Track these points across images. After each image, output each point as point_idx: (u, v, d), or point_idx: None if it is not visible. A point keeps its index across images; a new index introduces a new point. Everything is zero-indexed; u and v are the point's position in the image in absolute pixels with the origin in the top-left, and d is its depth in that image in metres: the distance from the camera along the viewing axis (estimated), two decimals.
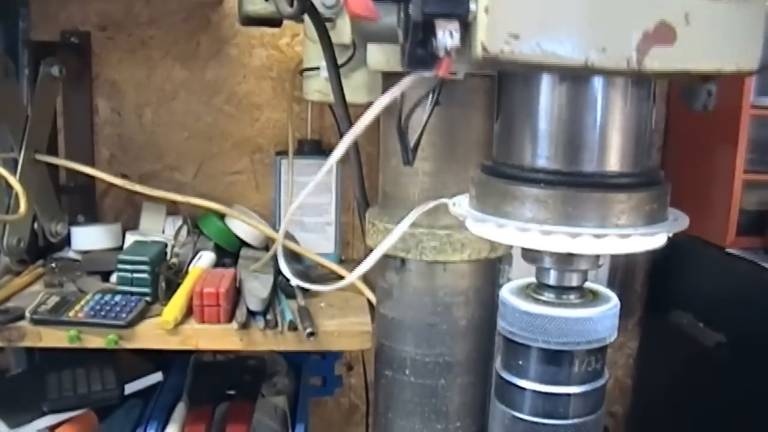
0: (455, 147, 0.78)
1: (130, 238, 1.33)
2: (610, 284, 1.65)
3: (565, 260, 0.56)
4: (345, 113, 0.95)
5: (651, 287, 1.72)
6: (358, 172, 0.92)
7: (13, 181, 1.12)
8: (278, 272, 1.22)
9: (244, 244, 1.36)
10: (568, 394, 0.57)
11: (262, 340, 1.08)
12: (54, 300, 1.12)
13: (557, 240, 0.52)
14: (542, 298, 0.58)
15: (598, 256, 0.57)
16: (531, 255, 0.58)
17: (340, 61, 0.91)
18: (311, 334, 1.05)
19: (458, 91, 0.77)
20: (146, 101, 1.48)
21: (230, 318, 1.10)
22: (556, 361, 0.57)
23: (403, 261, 0.81)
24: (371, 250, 0.84)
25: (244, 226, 1.34)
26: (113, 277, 1.20)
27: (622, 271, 1.67)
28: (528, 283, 0.61)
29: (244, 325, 1.07)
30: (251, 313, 1.11)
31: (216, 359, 1.43)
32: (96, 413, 1.23)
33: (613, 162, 0.53)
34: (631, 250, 0.53)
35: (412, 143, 0.68)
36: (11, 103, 1.20)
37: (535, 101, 0.53)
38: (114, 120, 1.48)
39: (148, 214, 1.42)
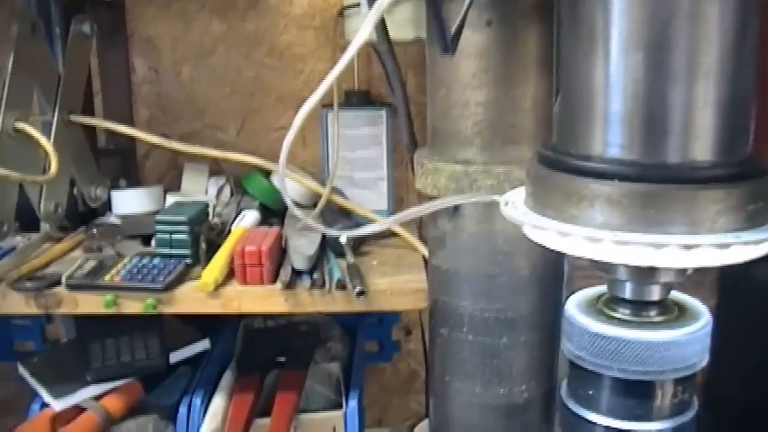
0: (511, 72, 0.69)
1: (171, 200, 1.28)
2: None
3: (646, 272, 0.46)
4: (390, 52, 0.87)
5: None
6: (405, 111, 0.84)
7: (45, 143, 1.07)
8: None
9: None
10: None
11: (309, 301, 1.01)
12: (91, 265, 1.07)
13: (636, 252, 0.42)
14: (617, 315, 0.48)
15: (686, 270, 0.47)
16: (602, 264, 0.47)
17: None
18: (361, 293, 0.97)
19: (511, 11, 0.68)
20: (184, 57, 1.42)
21: (274, 279, 1.03)
22: (634, 392, 0.48)
23: (456, 205, 0.72)
24: (424, 198, 0.76)
25: (291, 184, 1.26)
26: (153, 241, 1.14)
27: None
28: (599, 293, 0.51)
29: (289, 285, 1.00)
30: (297, 273, 1.04)
31: (266, 325, 1.37)
32: (144, 382, 1.20)
33: (705, 150, 0.42)
34: (730, 261, 0.42)
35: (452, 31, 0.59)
36: (42, 63, 1.15)
37: (604, 72, 0.43)
38: (152, 78, 1.43)
39: (189, 174, 1.37)
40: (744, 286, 1.51)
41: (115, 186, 1.33)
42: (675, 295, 0.49)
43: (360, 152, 1.29)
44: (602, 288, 0.50)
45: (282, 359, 1.26)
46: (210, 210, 1.19)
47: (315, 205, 1.18)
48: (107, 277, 1.02)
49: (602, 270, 0.48)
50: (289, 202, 0.57)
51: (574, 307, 0.49)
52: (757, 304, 1.47)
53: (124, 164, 1.43)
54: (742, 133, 0.43)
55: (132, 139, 1.33)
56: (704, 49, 0.40)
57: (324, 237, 1.13)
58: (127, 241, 1.20)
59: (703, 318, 0.48)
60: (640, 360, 0.46)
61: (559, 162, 0.46)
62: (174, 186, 1.39)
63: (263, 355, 1.27)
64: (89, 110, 1.34)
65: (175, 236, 1.08)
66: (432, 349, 0.81)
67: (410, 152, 0.84)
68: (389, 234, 1.21)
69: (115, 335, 1.18)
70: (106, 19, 1.35)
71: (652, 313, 0.48)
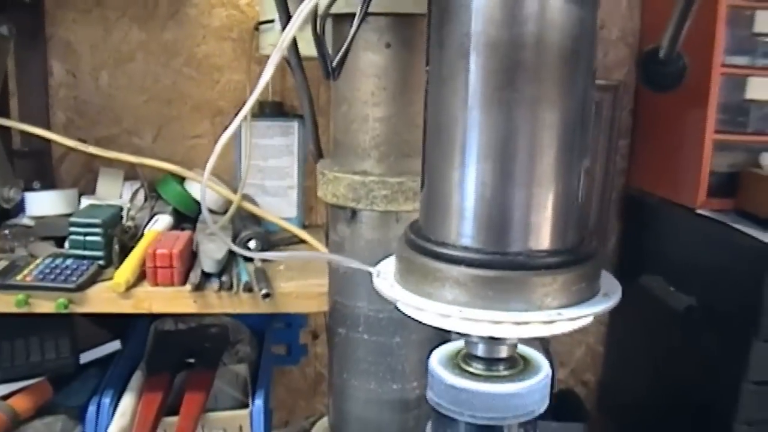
0: (407, 91, 0.75)
1: (86, 203, 1.29)
2: None
3: (493, 338, 0.55)
4: (299, 66, 0.91)
5: (622, 251, 1.70)
6: (311, 123, 0.89)
7: None
8: (236, 235, 1.18)
9: None
10: None
11: (217, 303, 1.05)
12: (2, 264, 1.08)
13: (478, 326, 0.50)
14: (470, 369, 0.56)
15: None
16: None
17: (293, 12, 0.87)
18: (267, 295, 1.02)
19: (409, 34, 0.74)
20: (102, 63, 1.44)
21: (185, 280, 1.06)
22: None
23: (353, 212, 0.78)
24: (328, 207, 0.81)
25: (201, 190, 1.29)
26: (67, 242, 1.16)
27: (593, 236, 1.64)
28: (459, 349, 0.59)
29: (198, 287, 1.04)
30: (206, 276, 1.08)
31: (177, 327, 1.39)
32: (53, 383, 1.20)
33: (539, 241, 0.51)
34: (556, 332, 0.51)
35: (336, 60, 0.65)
36: None
37: (460, 174, 0.51)
38: (69, 82, 1.44)
39: (105, 178, 1.38)
40: (635, 296, 1.60)
41: (29, 188, 1.33)
42: (522, 349, 0.57)
43: (272, 161, 1.33)
44: (463, 343, 0.58)
45: (191, 360, 1.28)
46: (124, 213, 1.21)
47: (227, 212, 1.22)
48: (19, 277, 1.04)
49: (459, 333, 0.55)
50: (205, 211, 0.61)
51: (436, 360, 0.57)
52: (646, 312, 1.56)
53: (39, 166, 1.42)
54: (570, 225, 0.52)
55: (47, 142, 1.33)
56: (540, 160, 0.49)
57: (234, 242, 1.17)
58: (40, 242, 1.21)
59: (543, 371, 0.56)
60: (488, 408, 0.53)
61: (419, 246, 0.54)
62: (89, 189, 1.40)
63: (173, 356, 1.29)
64: (4, 112, 1.35)
65: (88, 238, 1.10)
66: (331, 348, 0.86)
67: (315, 161, 0.88)
68: (297, 240, 1.26)
69: (24, 335, 1.19)
70: (26, 22, 1.35)
71: (501, 367, 0.56)
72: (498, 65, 0.47)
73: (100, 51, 1.43)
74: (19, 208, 1.31)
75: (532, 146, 0.48)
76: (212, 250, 1.10)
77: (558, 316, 0.49)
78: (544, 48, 0.46)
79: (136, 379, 1.21)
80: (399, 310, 0.54)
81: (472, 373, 0.55)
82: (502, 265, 0.49)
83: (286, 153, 1.34)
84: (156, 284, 1.06)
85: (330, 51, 0.75)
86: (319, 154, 0.89)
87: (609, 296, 0.52)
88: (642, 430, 1.58)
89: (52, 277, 1.04)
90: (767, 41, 1.31)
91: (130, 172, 1.39)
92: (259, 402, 1.17)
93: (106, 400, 1.14)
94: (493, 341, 0.54)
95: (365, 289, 0.80)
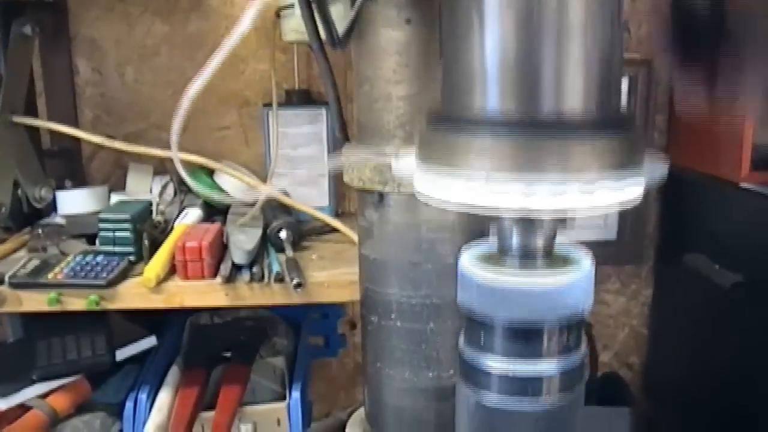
0: (430, 67, 0.72)
1: (115, 200, 1.29)
2: (621, 229, 1.59)
3: (528, 223, 0.49)
4: (321, 50, 0.89)
5: (663, 230, 1.65)
6: (336, 107, 0.86)
7: None
8: (267, 225, 1.17)
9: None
10: (539, 376, 0.51)
11: (249, 295, 1.03)
12: (34, 263, 1.08)
13: (509, 198, 0.44)
14: (504, 267, 0.50)
15: (566, 220, 0.50)
16: (490, 217, 0.49)
17: None
18: (298, 285, 1.00)
19: (430, 8, 0.71)
20: (127, 59, 1.43)
21: (215, 273, 1.05)
22: (521, 339, 0.50)
23: (381, 195, 0.75)
24: (356, 191, 0.79)
25: (232, 181, 1.28)
26: (97, 239, 1.15)
27: (633, 216, 1.60)
28: (489, 251, 0.53)
29: (229, 279, 1.03)
30: (237, 268, 1.07)
31: (213, 322, 1.39)
32: (90, 380, 1.20)
33: (574, 103, 0.45)
34: (598, 204, 0.45)
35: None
36: None
37: (479, 33, 0.45)
38: (95, 80, 1.44)
39: (134, 174, 1.38)
40: (678, 276, 1.57)
41: (61, 186, 1.33)
42: (561, 248, 0.52)
43: (301, 150, 1.32)
44: (493, 245, 0.53)
45: (228, 355, 1.28)
46: (153, 208, 1.21)
47: (256, 202, 1.21)
48: (50, 275, 1.04)
49: (491, 218, 0.50)
50: (182, 174, 0.58)
51: (466, 259, 0.51)
52: (690, 292, 1.52)
53: (69, 165, 1.43)
54: (607, 89, 0.46)
55: (77, 140, 1.33)
56: (571, 7, 0.43)
57: (265, 232, 1.15)
58: (72, 240, 1.21)
59: (585, 267, 0.50)
60: (524, 308, 0.48)
61: (440, 121, 0.48)
62: (119, 186, 1.40)
63: (209, 350, 1.28)
64: (33, 112, 1.35)
65: (118, 234, 1.10)
66: (363, 337, 0.84)
67: (341, 146, 0.86)
68: (330, 230, 1.24)
69: (61, 334, 1.19)
70: (49, 21, 1.36)
71: (538, 263, 0.50)
72: None
73: (125, 47, 1.43)
74: (51, 207, 1.32)
75: None
76: (243, 242, 1.09)
77: (599, 185, 0.44)
78: None
79: (173, 374, 1.21)
80: (419, 197, 0.49)
81: (505, 271, 0.50)
82: (534, 130, 0.44)
83: (315, 141, 1.33)
84: (186, 278, 1.05)
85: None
86: (346, 138, 0.87)
87: (655, 171, 0.47)
88: (688, 412, 1.54)
89: (83, 274, 1.04)
90: None
91: (159, 167, 1.39)
92: (296, 394, 1.15)
93: (143, 396, 1.14)
94: (527, 228, 0.49)
95: (396, 276, 0.77)
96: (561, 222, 0.50)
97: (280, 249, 1.14)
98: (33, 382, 1.15)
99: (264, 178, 1.29)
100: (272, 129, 1.29)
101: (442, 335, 0.79)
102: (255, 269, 1.05)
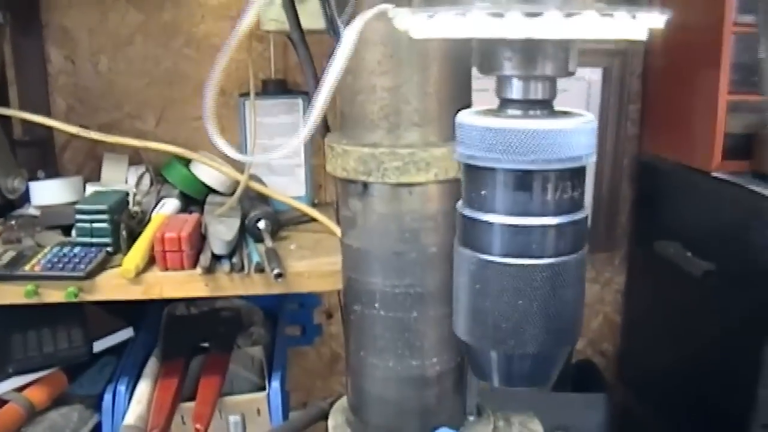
0: (414, 57, 0.72)
1: (91, 190, 1.28)
2: (594, 218, 1.61)
3: (528, 61, 0.48)
4: (302, 40, 0.89)
5: (636, 218, 1.67)
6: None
7: None
8: (245, 216, 1.17)
9: (210, 190, 1.31)
10: (543, 226, 0.50)
11: (229, 285, 1.03)
12: (10, 255, 1.07)
13: (515, 22, 0.43)
14: (506, 114, 0.50)
15: (567, 59, 0.48)
16: (488, 62, 0.49)
17: None
18: (279, 275, 1.00)
19: None
20: (101, 48, 1.42)
21: (195, 264, 1.05)
22: (525, 185, 0.49)
23: (365, 185, 0.75)
24: (338, 182, 0.79)
25: (209, 171, 1.28)
26: (74, 230, 1.14)
27: (606, 203, 1.62)
28: (488, 108, 0.52)
29: (209, 270, 1.02)
30: (217, 258, 1.06)
31: (190, 312, 1.38)
32: (68, 372, 1.20)
33: None
34: (605, 34, 0.44)
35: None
36: None
37: None
38: (68, 69, 1.42)
39: (109, 164, 1.37)
40: (651, 263, 1.58)
41: (34, 177, 1.32)
42: (562, 107, 0.51)
43: (278, 140, 1.31)
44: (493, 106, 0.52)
45: (206, 345, 1.27)
46: (130, 199, 1.20)
47: (234, 193, 1.21)
48: (27, 267, 1.03)
49: (488, 69, 0.50)
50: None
51: (465, 114, 0.51)
52: (662, 279, 1.54)
53: (42, 155, 1.41)
54: None
55: (49, 130, 1.32)
56: None
57: (243, 223, 1.15)
58: (46, 231, 1.20)
59: (588, 116, 0.50)
60: (529, 149, 0.47)
61: None
62: (94, 176, 1.39)
63: (187, 341, 1.28)
64: (4, 101, 1.33)
65: (95, 225, 1.09)
66: (347, 326, 0.84)
67: (322, 137, 0.86)
68: (308, 219, 1.24)
69: (37, 326, 1.18)
70: (20, 9, 1.33)
71: (539, 112, 0.50)
72: None
73: (98, 35, 1.41)
74: (24, 198, 1.30)
75: None
76: (221, 232, 1.09)
77: (608, 12, 0.43)
78: None
79: (151, 365, 1.20)
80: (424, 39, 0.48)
81: (508, 116, 0.50)
82: None
83: (292, 131, 1.32)
84: (166, 269, 1.04)
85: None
86: (326, 129, 0.87)
87: (658, 12, 0.46)
88: (662, 397, 1.57)
89: (61, 266, 1.03)
90: None
91: (135, 157, 1.38)
92: (275, 384, 1.15)
93: (122, 388, 1.14)
94: (528, 72, 0.48)
95: (380, 264, 0.78)
96: (562, 72, 0.49)
97: (259, 239, 1.14)
98: (9, 376, 1.14)
99: (241, 168, 1.28)
100: (249, 119, 1.28)
101: (426, 324, 0.79)
102: (235, 259, 1.05)
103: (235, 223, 1.13)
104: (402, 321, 0.79)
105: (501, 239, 0.51)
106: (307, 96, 1.29)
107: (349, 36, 0.54)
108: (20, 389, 1.14)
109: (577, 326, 0.54)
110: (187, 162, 1.30)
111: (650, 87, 1.59)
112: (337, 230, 1.14)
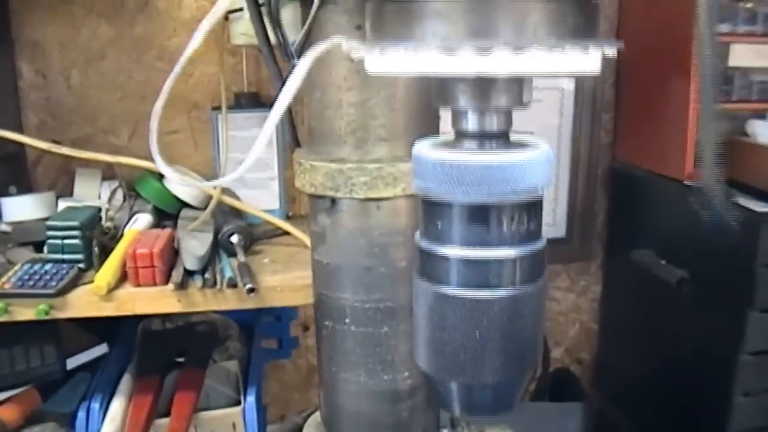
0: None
1: (63, 206, 1.27)
2: (569, 227, 1.61)
3: (481, 95, 0.48)
4: (270, 54, 0.88)
5: (611, 227, 1.68)
6: (286, 112, 0.86)
7: None
8: (218, 230, 1.16)
9: (184, 205, 1.30)
10: (500, 259, 0.50)
11: (202, 300, 1.03)
12: None
13: (466, 59, 0.43)
14: (461, 147, 0.50)
15: (521, 91, 0.48)
16: (442, 96, 0.50)
17: None
18: (251, 290, 0.99)
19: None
20: (73, 62, 1.41)
21: (167, 279, 1.04)
22: (481, 218, 0.49)
23: (333, 201, 0.75)
24: (308, 196, 0.79)
25: (182, 186, 1.27)
26: (45, 247, 1.13)
27: (581, 212, 1.63)
28: (445, 139, 0.52)
29: (181, 285, 1.02)
30: (189, 273, 1.06)
31: (165, 327, 1.37)
32: (42, 389, 1.19)
33: None
34: (556, 69, 0.44)
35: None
36: None
37: None
38: (40, 83, 1.41)
39: (82, 180, 1.36)
40: (626, 272, 1.59)
41: (5, 193, 1.31)
42: (518, 136, 0.52)
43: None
44: (449, 136, 0.52)
45: (181, 360, 1.26)
46: (103, 214, 1.19)
47: (207, 207, 1.20)
48: None
49: (443, 101, 0.50)
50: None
51: (421, 146, 0.51)
52: (638, 287, 1.55)
53: (14, 170, 1.40)
54: None
55: (21, 145, 1.31)
56: None
57: (216, 237, 1.14)
58: (18, 248, 1.19)
59: (542, 147, 0.49)
60: (483, 181, 0.47)
61: None
62: (67, 191, 1.37)
63: (162, 356, 1.27)
64: None
65: (67, 241, 1.08)
66: (319, 341, 0.84)
67: (291, 150, 0.86)
68: (281, 233, 1.24)
69: (8, 344, 1.17)
70: None
71: (494, 144, 0.50)
72: None
73: (70, 50, 1.40)
74: None
75: None
76: (194, 247, 1.08)
77: (559, 48, 0.43)
78: None
79: (126, 381, 1.19)
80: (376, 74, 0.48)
81: (463, 150, 0.49)
82: None
83: (265, 144, 1.32)
84: (138, 285, 1.04)
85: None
86: (296, 144, 0.87)
87: (609, 45, 0.47)
88: (639, 405, 1.57)
89: (32, 283, 1.02)
90: (748, 7, 1.30)
91: (108, 172, 1.36)
92: (251, 399, 1.15)
93: (96, 405, 1.13)
94: (482, 105, 0.48)
95: (350, 279, 0.78)
96: (517, 103, 0.49)
97: (232, 253, 1.13)
98: None
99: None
100: (222, 132, 1.28)
101: (397, 338, 0.79)
102: (207, 275, 1.04)
103: (208, 238, 1.13)
104: (373, 336, 0.79)
105: (457, 271, 0.51)
106: None
107: (300, 69, 0.54)
108: None
109: (538, 350, 0.54)
110: (160, 176, 1.29)
111: (623, 95, 1.60)
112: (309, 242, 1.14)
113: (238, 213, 1.24)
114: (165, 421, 1.13)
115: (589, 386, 1.77)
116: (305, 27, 0.64)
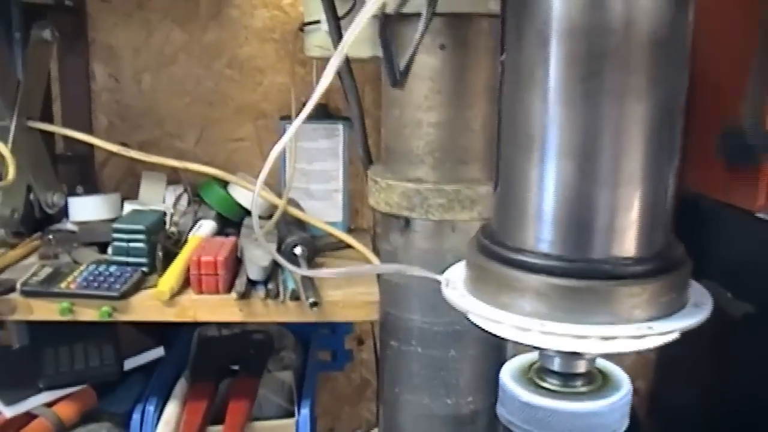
0: (463, 94, 0.72)
1: (129, 208, 1.28)
2: None
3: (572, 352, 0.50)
4: (347, 69, 0.89)
5: None
6: (360, 127, 0.86)
7: (2, 148, 1.08)
8: (281, 241, 1.16)
9: (248, 212, 1.31)
10: None
11: (263, 311, 1.02)
12: (47, 271, 1.07)
13: (560, 340, 0.46)
14: (545, 385, 0.52)
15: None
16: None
17: (340, 13, 0.85)
18: (314, 304, 0.99)
19: (464, 35, 0.70)
20: (145, 66, 1.42)
21: (230, 288, 1.04)
22: None
23: (407, 221, 0.75)
24: (377, 215, 0.78)
25: (247, 194, 1.28)
26: (110, 249, 1.14)
27: None
28: (532, 361, 0.54)
29: (244, 295, 1.02)
30: (252, 283, 1.06)
31: (221, 334, 1.38)
32: (97, 389, 1.20)
33: (625, 247, 0.47)
34: (644, 347, 0.47)
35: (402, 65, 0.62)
36: (1, 68, 1.15)
37: (538, 174, 0.47)
38: (112, 86, 1.43)
39: (147, 183, 1.37)
40: None
41: (73, 193, 1.32)
42: (600, 363, 0.53)
43: (317, 164, 1.31)
44: (535, 355, 0.54)
45: (236, 367, 1.27)
46: (167, 219, 1.20)
47: (271, 216, 1.20)
48: (63, 284, 1.03)
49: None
50: (255, 221, 0.58)
51: (507, 374, 0.53)
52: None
53: (82, 171, 1.42)
54: (659, 230, 0.49)
55: (90, 146, 1.32)
56: (627, 158, 0.45)
57: (279, 247, 1.14)
58: (83, 248, 1.20)
59: (624, 388, 0.52)
60: (566, 428, 0.49)
61: (494, 253, 0.50)
62: (132, 194, 1.39)
63: (217, 363, 1.27)
64: (48, 116, 1.34)
65: (132, 244, 1.09)
66: (382, 361, 0.83)
67: (365, 166, 0.86)
68: (344, 246, 1.23)
69: (68, 342, 1.18)
70: (68, 26, 1.34)
71: (578, 383, 0.52)
72: (582, 53, 0.43)
73: (142, 54, 1.42)
74: (63, 213, 1.30)
75: (618, 142, 0.45)
76: (258, 257, 1.08)
77: (649, 330, 0.45)
78: (633, 34, 0.42)
79: (181, 386, 1.20)
80: (471, 321, 0.50)
81: (547, 390, 0.51)
82: (586, 274, 0.45)
83: (331, 156, 1.32)
84: (201, 292, 1.04)
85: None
86: (369, 160, 0.86)
87: (699, 307, 0.48)
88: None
89: (96, 284, 1.03)
90: None
91: (173, 176, 1.38)
92: (305, 411, 1.14)
93: (151, 408, 1.13)
94: (572, 356, 0.50)
95: (419, 301, 0.77)
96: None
97: (295, 265, 1.13)
98: (39, 391, 1.14)
99: (278, 192, 1.28)
100: (289, 143, 1.28)
101: (463, 362, 0.78)
102: (270, 286, 1.04)
103: (272, 248, 1.13)
104: (439, 359, 0.78)
105: None
106: (349, 121, 1.28)
107: None
108: (50, 404, 1.14)
109: None
110: (224, 183, 1.30)
111: (692, 120, 1.57)
112: (373, 258, 1.13)
113: (301, 224, 1.23)
114: (218, 428, 1.13)
115: (645, 416, 1.73)
116: (412, 48, 0.63)
